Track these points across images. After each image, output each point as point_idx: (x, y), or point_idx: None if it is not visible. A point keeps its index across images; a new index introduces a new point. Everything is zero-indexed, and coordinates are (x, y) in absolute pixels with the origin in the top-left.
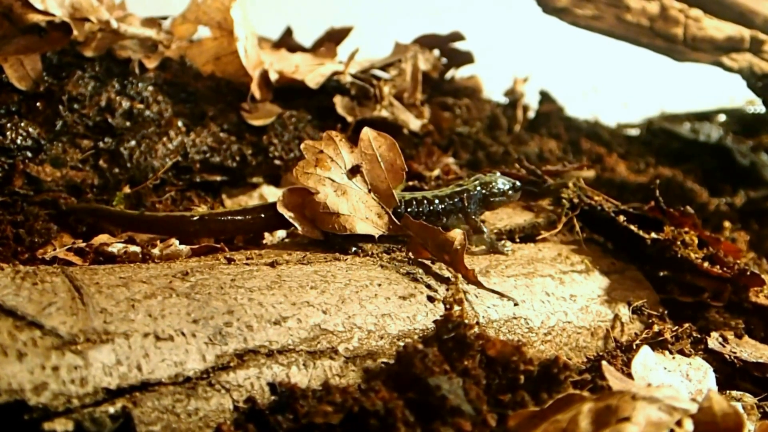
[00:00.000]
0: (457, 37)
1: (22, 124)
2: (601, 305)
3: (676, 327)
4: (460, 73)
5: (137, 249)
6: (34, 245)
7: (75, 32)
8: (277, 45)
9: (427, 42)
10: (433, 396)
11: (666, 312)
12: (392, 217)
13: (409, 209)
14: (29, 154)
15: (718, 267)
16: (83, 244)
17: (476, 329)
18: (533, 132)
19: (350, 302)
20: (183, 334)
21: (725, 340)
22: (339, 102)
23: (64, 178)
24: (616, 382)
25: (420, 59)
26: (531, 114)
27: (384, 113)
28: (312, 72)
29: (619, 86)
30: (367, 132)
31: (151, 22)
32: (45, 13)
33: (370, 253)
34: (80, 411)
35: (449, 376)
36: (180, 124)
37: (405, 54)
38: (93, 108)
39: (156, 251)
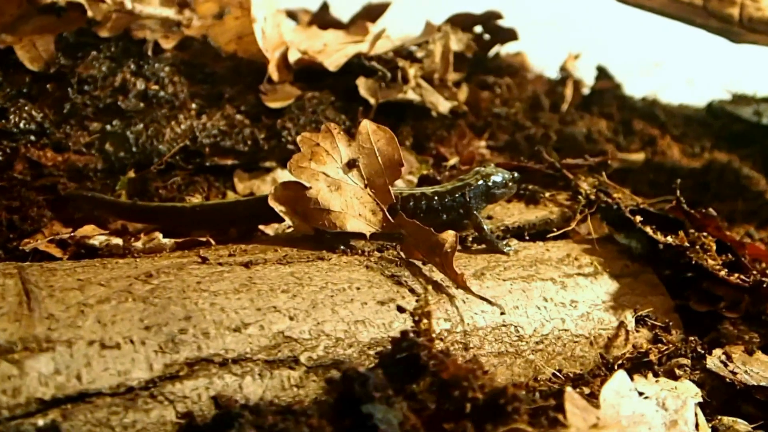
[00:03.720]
0: (493, 15)
1: (27, 108)
2: (605, 312)
3: (667, 347)
4: (506, 50)
5: (119, 242)
6: (25, 233)
7: (90, 12)
8: (312, 21)
9: (460, 21)
10: (363, 425)
11: (673, 323)
12: (387, 214)
13: (406, 206)
14: (32, 138)
15: (736, 275)
16: (67, 236)
17: (433, 348)
18: (585, 111)
19: (322, 307)
20: (132, 341)
21: (729, 358)
22: (362, 84)
23: (66, 162)
24: (575, 415)
25: (452, 39)
26: (587, 91)
27: (411, 95)
28: (335, 53)
29: (684, 62)
30: (365, 125)
31: (171, 1)
32: None
33: (360, 251)
34: (6, 423)
35: (390, 402)
36: (194, 105)
37: (433, 35)
38: (106, 89)
39: (139, 244)
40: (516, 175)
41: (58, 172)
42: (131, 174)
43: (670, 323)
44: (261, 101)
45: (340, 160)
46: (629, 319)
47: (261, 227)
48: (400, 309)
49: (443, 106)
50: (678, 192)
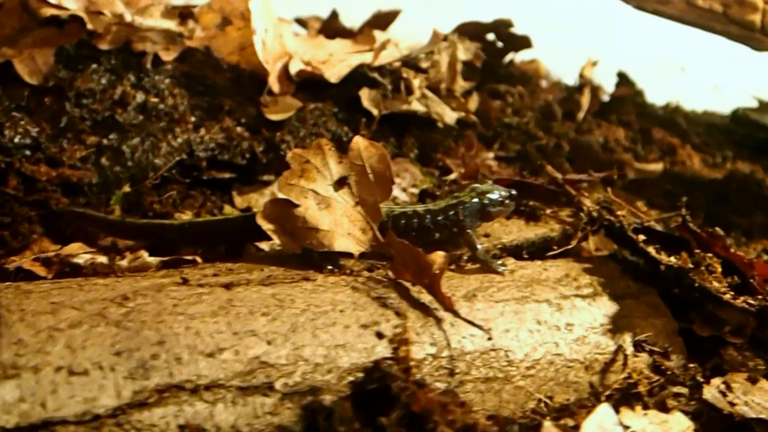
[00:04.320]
0: (503, 24)
1: (23, 122)
2: (603, 335)
3: (659, 376)
4: (520, 57)
5: (104, 260)
6: (13, 250)
7: (90, 25)
8: (321, 29)
9: (468, 30)
10: None
11: (674, 347)
12: (377, 233)
13: (398, 224)
14: (27, 153)
15: (743, 298)
16: (53, 254)
17: (410, 377)
18: (603, 119)
19: (302, 331)
20: (101, 367)
21: (729, 387)
22: (365, 95)
23: (60, 177)
24: None
25: (459, 49)
26: (606, 98)
27: (416, 106)
28: (339, 63)
29: (711, 66)
30: (357, 141)
31: (171, 12)
32: (58, 6)
33: (349, 270)
34: None
35: None
36: (192, 118)
37: (438, 44)
38: (105, 102)
39: (124, 263)
40: (513, 192)
41: (51, 187)
42: (126, 188)
43: (669, 348)
44: (262, 113)
45: (330, 177)
46: (628, 342)
47: (256, 243)
48: (379, 335)
49: (449, 116)
50: (684, 209)
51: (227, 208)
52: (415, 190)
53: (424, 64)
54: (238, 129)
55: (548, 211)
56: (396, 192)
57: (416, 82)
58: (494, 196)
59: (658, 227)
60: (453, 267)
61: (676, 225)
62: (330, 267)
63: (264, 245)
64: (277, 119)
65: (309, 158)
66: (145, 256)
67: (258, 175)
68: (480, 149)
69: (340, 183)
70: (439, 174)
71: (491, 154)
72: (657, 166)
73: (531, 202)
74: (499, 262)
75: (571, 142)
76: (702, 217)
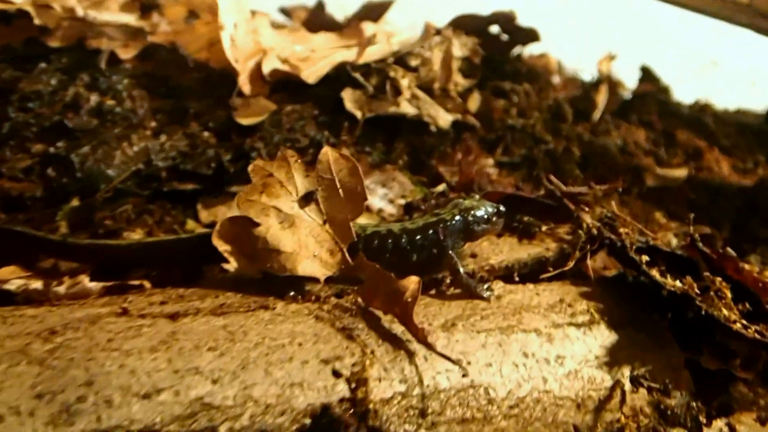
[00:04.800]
0: (504, 17)
1: None
2: (598, 369)
3: (656, 418)
4: (529, 51)
5: (39, 285)
6: None
7: (39, 20)
8: (306, 21)
9: (464, 23)
10: None
11: (678, 382)
12: (346, 255)
13: (370, 245)
14: None
15: (755, 327)
16: None
17: (367, 422)
18: (622, 119)
19: (254, 368)
20: (18, 412)
21: (733, 430)
22: (348, 96)
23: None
24: None
25: (454, 44)
26: (628, 96)
27: (405, 108)
28: (320, 61)
29: (747, 60)
30: (326, 153)
31: (131, 5)
32: (4, 0)
33: (315, 297)
34: None
35: None
36: (153, 123)
37: (431, 39)
38: (54, 106)
39: (61, 289)
40: (501, 208)
41: None
42: (75, 202)
43: (672, 384)
44: (232, 117)
45: (295, 192)
46: (626, 377)
47: (222, 264)
48: (336, 374)
49: (444, 119)
50: (691, 227)
51: (190, 224)
52: (405, 202)
53: (414, 62)
54: (205, 135)
55: (544, 228)
56: (382, 204)
57: (405, 81)
58: (479, 212)
59: (665, 247)
60: (433, 292)
61: (684, 245)
62: (293, 293)
63: (230, 266)
64: (248, 124)
65: (272, 171)
66: (85, 281)
67: (225, 187)
68: (479, 155)
69: (307, 199)
70: (431, 184)
71: (491, 161)
72: (680, 172)
73: (525, 217)
74: (485, 286)
75: (584, 145)
76: (728, 230)
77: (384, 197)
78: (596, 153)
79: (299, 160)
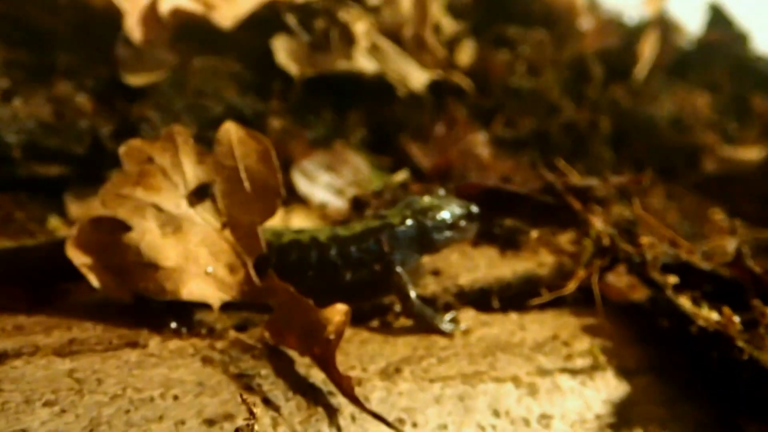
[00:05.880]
0: None
1: None
2: None
3: None
4: None
5: None
6: None
7: None
8: None
9: None
10: None
11: None
12: (252, 272)
13: (286, 259)
14: None
15: None
16: None
17: None
18: (679, 78)
19: (106, 430)
20: None
21: None
22: (281, 46)
23: None
24: None
25: None
26: (687, 47)
27: (362, 63)
28: (237, 0)
29: None
30: (229, 130)
31: None
32: None
33: (204, 330)
34: None
35: None
36: (4, 83)
37: None
38: None
39: None
40: (474, 209)
41: None
42: None
43: None
44: (117, 75)
45: (184, 185)
46: None
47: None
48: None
49: (418, 79)
50: (739, 240)
51: (53, 222)
52: (359, 191)
53: (374, 0)
54: (78, 99)
55: (537, 236)
56: (326, 196)
57: (361, 26)
58: (442, 214)
59: (701, 264)
60: (375, 324)
61: (728, 263)
62: (175, 325)
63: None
64: (138, 84)
65: (153, 154)
66: None
67: (104, 171)
68: (469, 129)
69: (199, 194)
70: (395, 167)
71: (486, 137)
72: (753, 154)
73: (509, 221)
74: (448, 316)
75: (619, 116)
76: None
77: (329, 187)
78: (637, 127)
79: (190, 140)
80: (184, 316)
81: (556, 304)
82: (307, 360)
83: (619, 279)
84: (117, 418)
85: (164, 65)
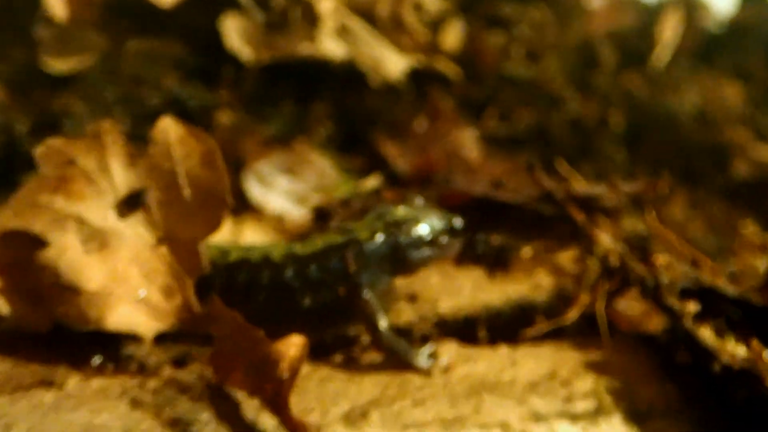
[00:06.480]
0: None
1: None
2: None
3: None
4: None
5: None
6: None
7: None
8: None
9: None
10: None
11: None
12: (192, 297)
13: (233, 280)
14: None
15: None
16: None
17: None
18: (706, 64)
19: None
20: None
21: None
22: (231, 26)
23: None
24: None
25: None
26: (714, 29)
27: (329, 47)
28: None
29: None
30: (166, 127)
31: None
32: None
33: (135, 366)
34: None
35: None
36: None
37: None
38: None
39: None
40: (457, 222)
41: None
42: None
43: None
44: (36, 60)
45: (112, 192)
46: None
47: None
48: None
49: (395, 65)
50: None
51: None
52: (323, 199)
53: None
54: None
55: (530, 254)
56: (285, 204)
57: (327, 3)
58: (420, 229)
59: (727, 289)
60: (339, 360)
61: (760, 287)
62: (99, 360)
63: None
64: (62, 70)
65: (75, 156)
66: None
67: (19, 175)
68: (455, 124)
69: (131, 204)
70: (369, 171)
71: (475, 134)
72: None
73: (497, 237)
74: (426, 350)
75: (634, 109)
76: None
77: (288, 193)
78: (654, 123)
79: (121, 139)
80: (110, 349)
81: (554, 335)
82: (256, 402)
83: (630, 306)
84: None
85: (92, 48)
